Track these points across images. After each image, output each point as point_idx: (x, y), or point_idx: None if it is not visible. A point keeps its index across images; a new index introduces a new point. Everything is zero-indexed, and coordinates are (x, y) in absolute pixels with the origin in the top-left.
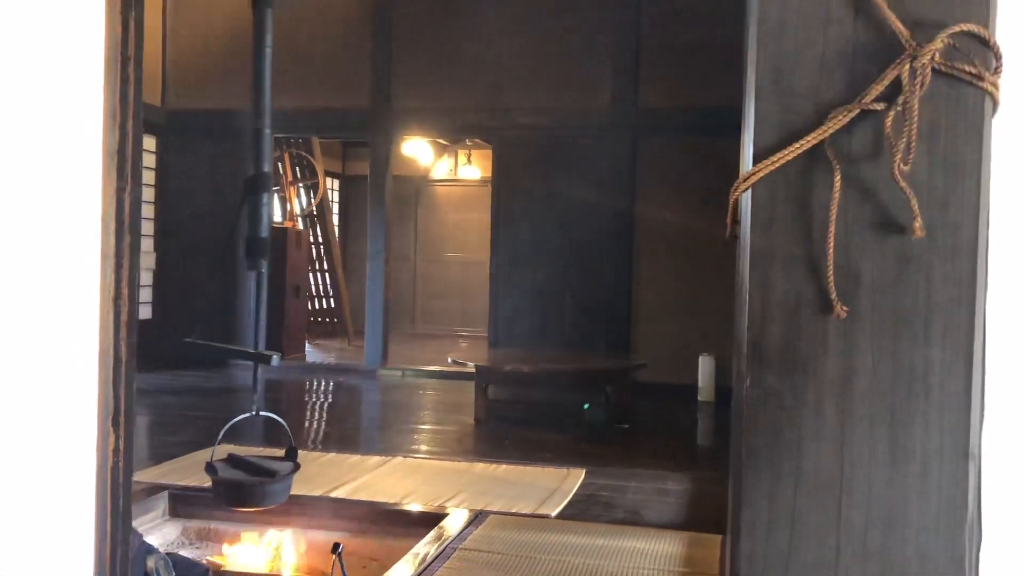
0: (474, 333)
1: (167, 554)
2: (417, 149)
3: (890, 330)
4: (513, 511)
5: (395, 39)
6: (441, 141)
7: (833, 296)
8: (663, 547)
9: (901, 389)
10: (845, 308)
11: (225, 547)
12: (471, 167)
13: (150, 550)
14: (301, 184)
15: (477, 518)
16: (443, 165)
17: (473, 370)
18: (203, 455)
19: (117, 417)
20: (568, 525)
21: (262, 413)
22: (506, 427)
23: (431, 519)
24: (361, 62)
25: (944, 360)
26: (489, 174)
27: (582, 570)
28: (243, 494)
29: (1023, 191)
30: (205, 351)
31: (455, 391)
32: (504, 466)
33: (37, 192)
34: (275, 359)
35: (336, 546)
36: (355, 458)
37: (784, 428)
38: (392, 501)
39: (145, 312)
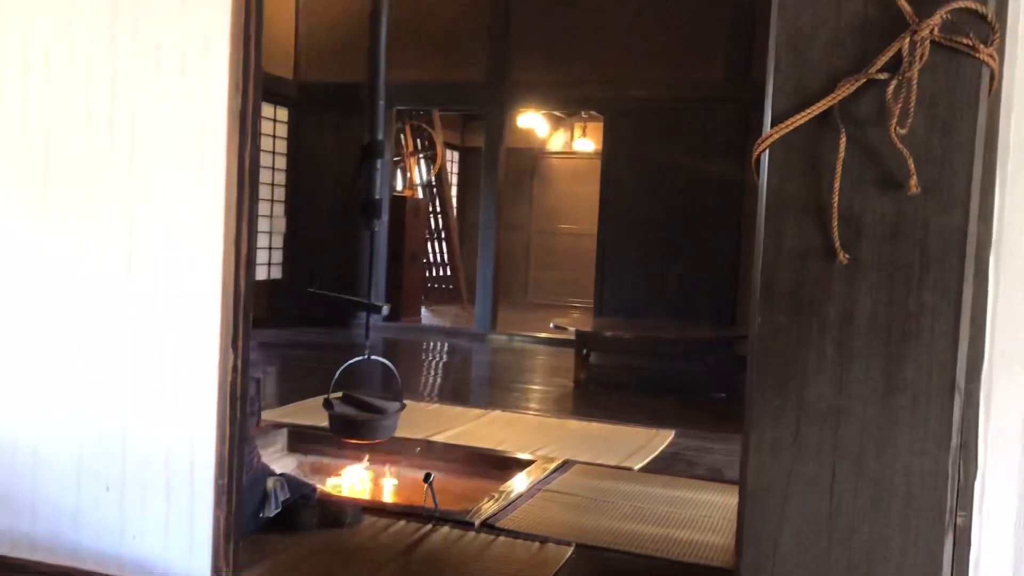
0: (584, 304)
1: (281, 474)
2: (533, 122)
3: (887, 276)
4: (598, 462)
5: (512, 13)
6: (557, 114)
7: (837, 245)
8: (736, 501)
9: (896, 330)
10: (847, 256)
11: (332, 479)
12: (586, 140)
13: (270, 473)
14: (421, 155)
15: (563, 466)
16: (559, 138)
17: (574, 336)
18: (319, 401)
19: (236, 340)
20: (649, 478)
21: (373, 358)
22: (604, 391)
23: (521, 464)
24: (479, 36)
25: (936, 304)
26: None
27: (656, 515)
28: (354, 428)
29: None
30: (324, 300)
31: (560, 357)
32: (596, 424)
33: (177, 151)
34: (385, 309)
35: (428, 475)
36: (457, 409)
37: (790, 361)
38: (486, 447)
39: (276, 273)
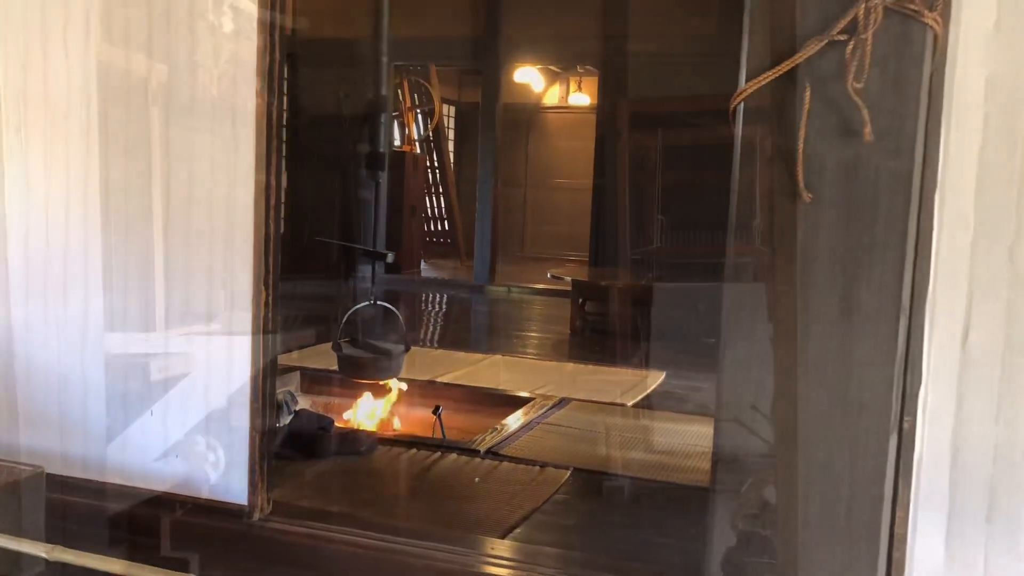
0: (581, 257)
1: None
2: (529, 77)
3: (844, 213)
4: (593, 399)
5: None
6: (553, 68)
7: (801, 186)
8: None
9: (850, 260)
10: (810, 195)
11: (346, 414)
12: (581, 94)
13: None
14: (419, 110)
15: (561, 403)
16: (554, 93)
17: (571, 286)
18: (329, 346)
19: (268, 279)
20: (640, 412)
21: (378, 303)
22: (599, 338)
23: (520, 402)
24: None
25: (885, 238)
26: None
27: (647, 444)
28: (363, 368)
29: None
30: (332, 248)
31: (557, 307)
32: (592, 367)
33: (213, 109)
34: (390, 256)
35: (436, 408)
36: (460, 354)
37: (759, 288)
38: (488, 386)
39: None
